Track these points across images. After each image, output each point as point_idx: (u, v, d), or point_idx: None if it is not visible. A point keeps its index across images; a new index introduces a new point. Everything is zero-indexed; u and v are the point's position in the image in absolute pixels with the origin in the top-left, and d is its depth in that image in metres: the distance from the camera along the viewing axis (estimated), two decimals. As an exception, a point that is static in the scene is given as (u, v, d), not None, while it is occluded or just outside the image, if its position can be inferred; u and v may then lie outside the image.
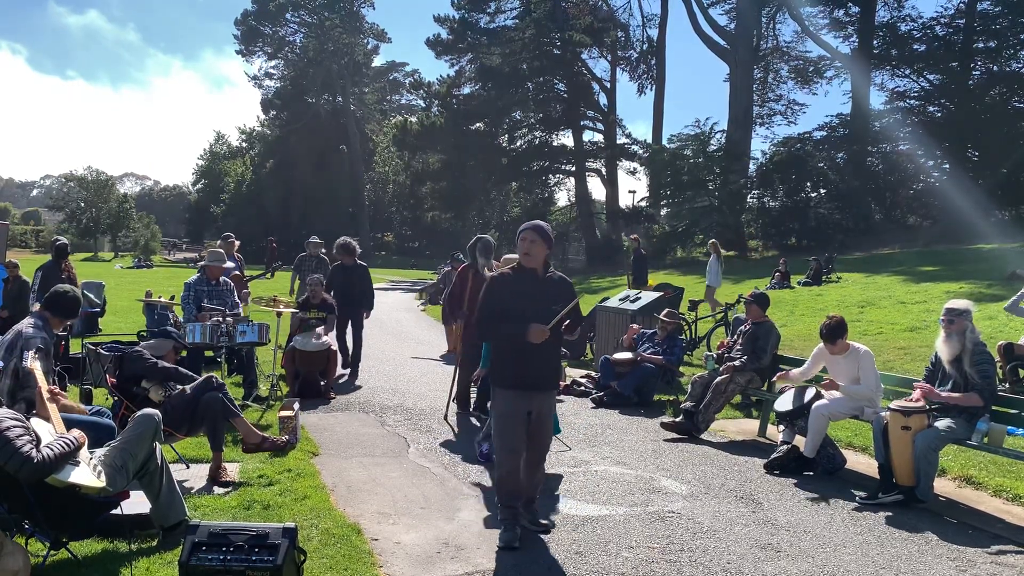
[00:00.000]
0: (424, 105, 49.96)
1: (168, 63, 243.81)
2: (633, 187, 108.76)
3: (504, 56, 38.12)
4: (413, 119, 48.05)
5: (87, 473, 3.43)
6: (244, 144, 65.81)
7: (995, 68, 31.52)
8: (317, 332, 8.15)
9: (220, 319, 6.84)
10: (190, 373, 5.52)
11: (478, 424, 7.10)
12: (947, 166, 30.83)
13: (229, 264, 8.52)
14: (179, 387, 5.23)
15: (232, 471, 5.13)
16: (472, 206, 45.90)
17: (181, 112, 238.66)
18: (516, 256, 4.52)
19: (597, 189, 47.04)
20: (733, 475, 5.76)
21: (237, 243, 10.48)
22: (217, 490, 4.84)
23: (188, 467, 5.25)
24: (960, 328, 5.31)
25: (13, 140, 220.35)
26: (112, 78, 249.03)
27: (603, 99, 42.64)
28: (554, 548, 4.18)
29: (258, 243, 44.03)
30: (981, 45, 31.62)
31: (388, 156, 55.24)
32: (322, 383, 8.08)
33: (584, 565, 3.97)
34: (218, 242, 10.11)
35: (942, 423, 5.20)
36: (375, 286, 9.81)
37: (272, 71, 62.39)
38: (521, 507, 4.40)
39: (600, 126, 42.87)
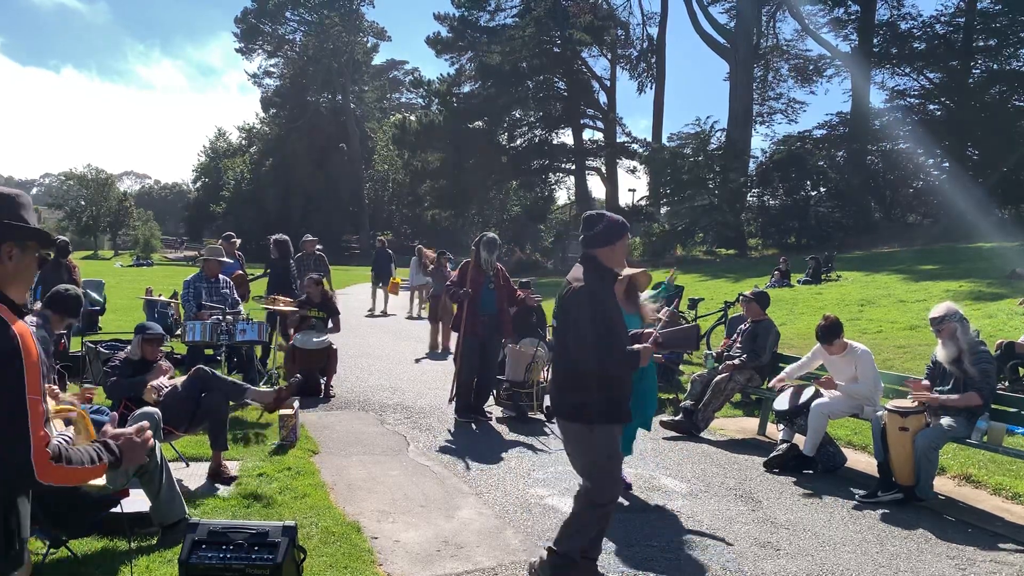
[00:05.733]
0: (424, 103, 49.88)
1: (148, 53, 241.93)
2: (633, 185, 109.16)
3: (504, 54, 38.09)
4: (413, 117, 47.98)
5: (87, 471, 3.42)
6: (244, 142, 65.78)
7: (995, 66, 31.55)
8: (317, 331, 8.15)
9: (220, 317, 6.84)
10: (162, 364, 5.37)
11: (475, 428, 7.07)
12: (947, 165, 30.85)
13: (227, 260, 8.51)
14: (168, 387, 5.13)
15: (232, 469, 5.14)
16: (472, 204, 45.86)
17: (175, 109, 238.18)
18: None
19: (597, 187, 47.12)
20: (733, 473, 5.76)
21: (238, 242, 10.49)
22: (218, 488, 4.84)
23: (187, 465, 5.25)
24: (949, 332, 5.31)
25: (11, 138, 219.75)
26: (100, 70, 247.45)
27: (603, 97, 42.71)
28: (554, 546, 4.19)
29: (258, 241, 43.96)
30: (981, 43, 31.64)
31: (388, 154, 55.19)
32: (322, 381, 8.08)
33: (584, 563, 3.97)
34: (219, 241, 10.11)
35: (942, 421, 5.20)
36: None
37: (272, 69, 62.45)
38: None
39: (600, 124, 42.91)
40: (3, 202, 2.00)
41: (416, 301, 16.62)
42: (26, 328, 1.91)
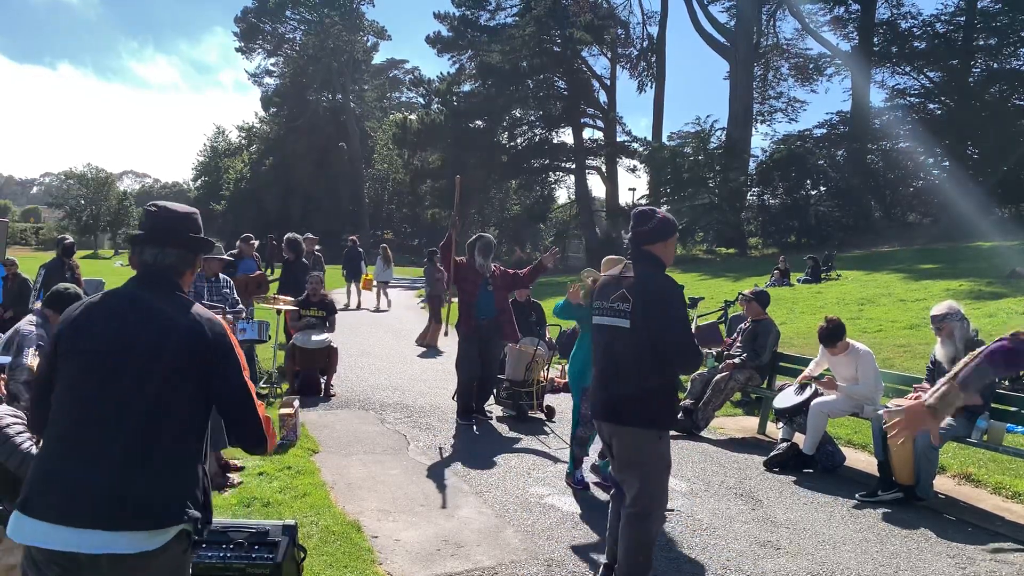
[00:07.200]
0: (424, 103, 49.87)
1: (142, 50, 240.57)
2: (633, 185, 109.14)
3: (504, 53, 38.07)
4: (413, 117, 48.00)
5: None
6: (243, 141, 65.76)
7: (995, 65, 31.53)
8: (317, 330, 8.14)
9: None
10: None
11: (475, 428, 7.07)
12: (947, 164, 30.83)
13: (226, 257, 8.51)
14: None
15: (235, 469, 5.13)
16: (472, 204, 45.82)
17: (173, 107, 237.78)
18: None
19: (597, 187, 47.05)
20: (733, 473, 5.76)
21: (256, 243, 10.52)
22: (218, 488, 4.83)
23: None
24: (949, 331, 5.32)
25: (10, 136, 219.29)
26: (96, 68, 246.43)
27: (603, 96, 42.64)
28: (555, 544, 4.19)
29: (258, 241, 43.95)
30: (981, 42, 31.60)
31: (388, 154, 55.21)
32: (322, 380, 8.08)
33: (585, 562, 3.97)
34: (238, 242, 10.13)
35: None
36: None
37: (272, 68, 62.40)
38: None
39: (600, 123, 42.86)
40: (195, 219, 2.19)
41: (383, 296, 18.14)
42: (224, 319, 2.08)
